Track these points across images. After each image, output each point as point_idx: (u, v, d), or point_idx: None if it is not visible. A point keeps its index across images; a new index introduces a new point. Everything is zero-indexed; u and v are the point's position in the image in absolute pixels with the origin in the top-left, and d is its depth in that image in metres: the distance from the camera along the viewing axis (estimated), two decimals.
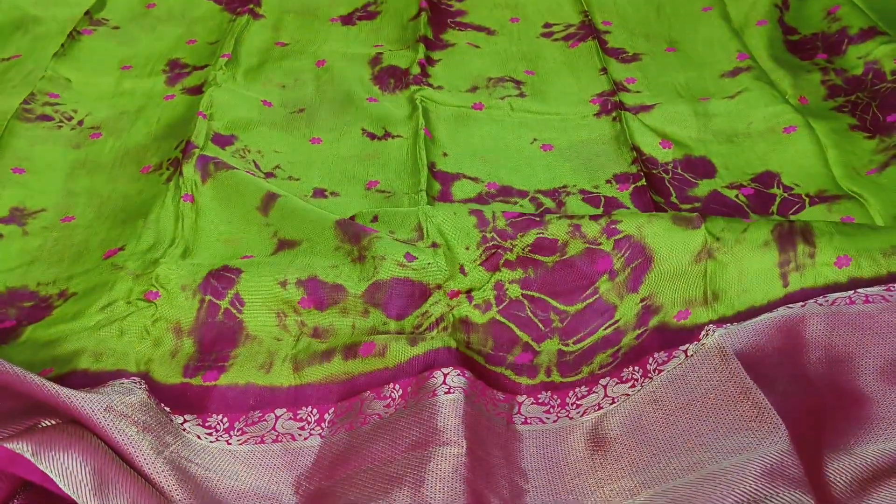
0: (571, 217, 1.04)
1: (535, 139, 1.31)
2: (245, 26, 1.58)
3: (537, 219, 1.04)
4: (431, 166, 1.24)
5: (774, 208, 1.14)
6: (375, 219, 1.09)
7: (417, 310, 0.99)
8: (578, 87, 1.43)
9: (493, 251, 1.03)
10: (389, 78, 1.45)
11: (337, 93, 1.42)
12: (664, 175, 1.22)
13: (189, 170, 1.16)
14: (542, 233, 1.02)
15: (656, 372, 0.88)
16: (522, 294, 1.00)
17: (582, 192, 1.20)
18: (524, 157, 1.28)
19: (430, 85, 1.42)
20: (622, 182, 1.20)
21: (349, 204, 1.18)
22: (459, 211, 1.07)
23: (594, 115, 1.35)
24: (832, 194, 1.14)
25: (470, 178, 1.23)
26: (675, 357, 0.89)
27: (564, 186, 1.21)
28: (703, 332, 0.89)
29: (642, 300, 0.97)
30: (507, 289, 1.00)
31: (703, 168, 1.23)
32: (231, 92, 1.38)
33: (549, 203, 1.18)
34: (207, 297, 0.98)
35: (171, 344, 0.96)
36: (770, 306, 0.91)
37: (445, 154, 1.28)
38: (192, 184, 1.15)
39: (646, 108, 1.34)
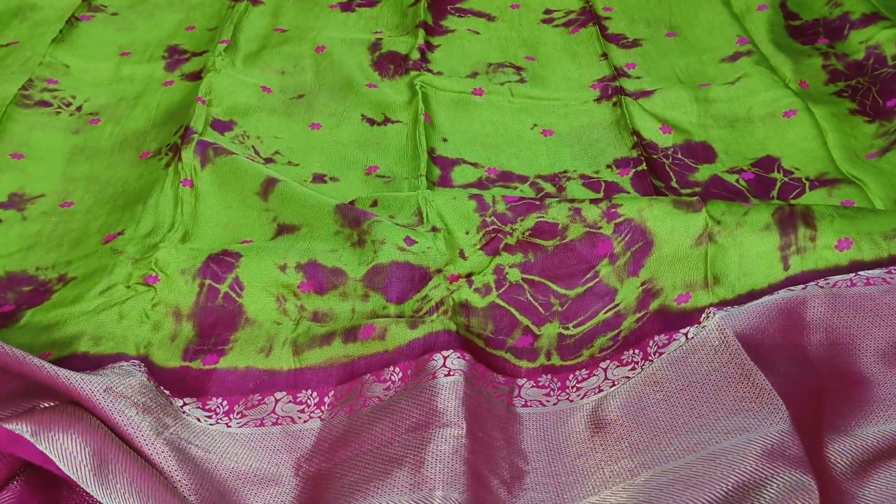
0: (572, 201, 1.04)
1: (535, 124, 1.31)
2: (244, 12, 1.58)
3: (537, 203, 1.04)
4: (431, 152, 1.24)
5: (775, 193, 1.14)
6: (375, 203, 1.09)
7: (417, 294, 0.99)
8: (579, 73, 1.42)
9: (493, 235, 1.02)
10: (389, 64, 1.45)
11: (336, 79, 1.42)
12: (664, 160, 1.22)
13: (188, 155, 1.16)
14: (543, 217, 1.02)
15: (657, 355, 0.88)
16: (522, 278, 1.00)
17: (582, 177, 1.19)
18: (524, 142, 1.28)
19: (429, 70, 1.42)
20: (623, 167, 1.20)
21: (349, 189, 1.18)
22: (459, 195, 1.07)
23: (594, 100, 1.35)
24: (832, 178, 1.14)
25: (470, 163, 1.23)
26: (675, 340, 0.88)
27: (565, 171, 1.21)
28: (703, 315, 0.88)
29: (642, 284, 0.97)
30: (506, 273, 1.00)
31: (704, 153, 1.23)
32: (230, 78, 1.38)
33: (549, 188, 1.18)
34: (207, 282, 0.98)
35: (171, 328, 0.96)
36: (771, 289, 0.91)
37: (445, 140, 1.28)
38: (191, 169, 1.15)
39: (646, 94, 1.34)
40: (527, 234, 1.02)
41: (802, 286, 0.87)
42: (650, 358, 0.88)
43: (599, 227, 1.00)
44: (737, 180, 1.17)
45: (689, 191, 1.16)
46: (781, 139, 1.23)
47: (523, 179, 1.20)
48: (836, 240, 0.93)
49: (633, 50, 1.48)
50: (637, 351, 0.91)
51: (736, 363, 0.79)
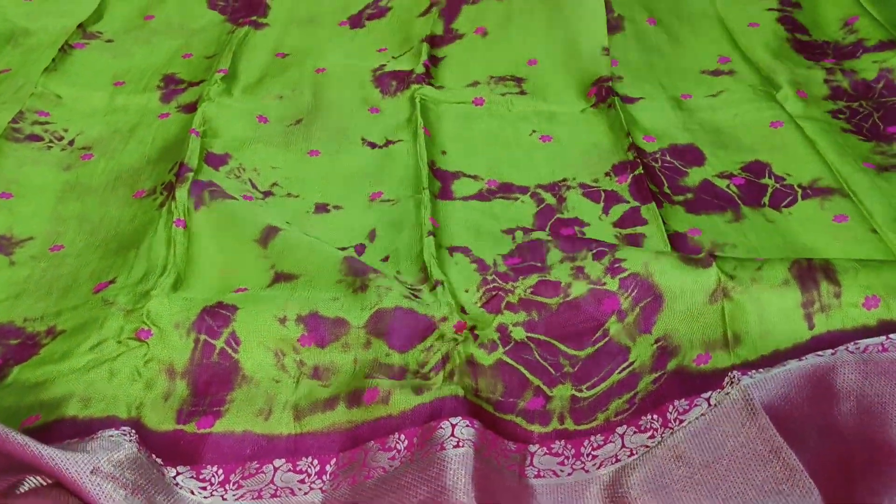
0: (574, 258, 1.00)
1: (533, 131, 1.29)
2: (244, 38, 1.53)
3: (539, 264, 1.00)
4: (431, 164, 1.21)
5: (766, 199, 1.12)
6: (387, 258, 1.06)
7: (422, 343, 0.94)
8: (579, 74, 1.40)
9: (494, 293, 0.98)
10: (391, 80, 1.41)
11: (335, 99, 1.38)
12: (654, 163, 1.20)
13: (182, 194, 1.11)
14: (545, 276, 0.98)
15: (677, 422, 0.83)
16: (528, 337, 0.95)
17: (582, 185, 1.17)
18: (524, 150, 1.26)
19: (431, 84, 1.39)
20: (621, 173, 1.18)
21: (353, 217, 1.14)
22: (461, 261, 1.04)
23: (592, 106, 1.33)
24: (826, 186, 1.11)
25: (470, 176, 1.20)
26: (696, 406, 0.84)
27: (564, 180, 1.19)
28: (726, 380, 0.83)
29: (657, 341, 0.92)
30: (511, 331, 0.95)
31: (691, 154, 1.21)
32: (226, 108, 1.33)
33: (549, 199, 1.15)
34: (202, 337, 0.93)
35: (164, 386, 0.91)
36: (795, 350, 0.86)
37: (444, 152, 1.25)
38: (184, 209, 1.10)
39: (630, 101, 1.33)
40: (528, 291, 0.97)
41: (832, 351, 0.82)
42: (670, 425, 0.84)
43: (604, 283, 0.96)
44: (728, 186, 1.15)
45: (681, 197, 1.14)
46: (770, 144, 1.21)
47: (524, 190, 1.17)
48: (862, 297, 0.89)
49: (615, 36, 1.47)
50: (656, 416, 0.86)
51: (764, 439, 0.74)
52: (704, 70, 1.41)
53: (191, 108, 1.37)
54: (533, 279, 0.98)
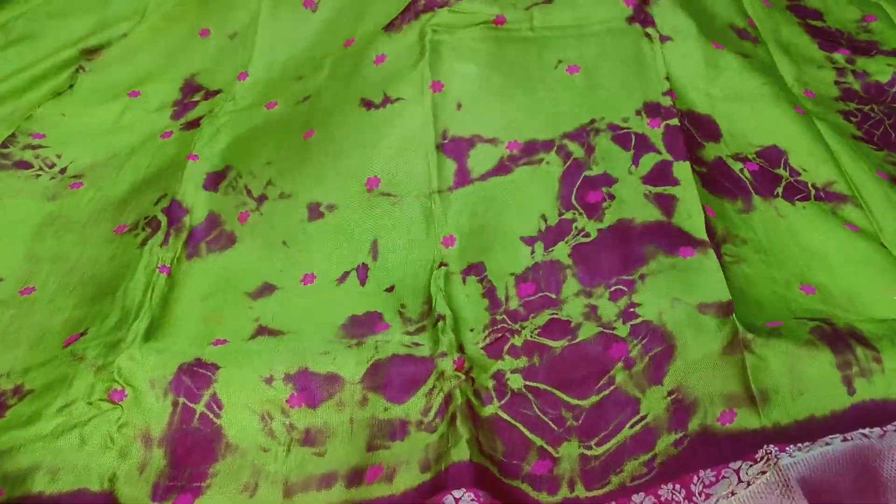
0: (590, 294, 0.92)
1: (560, 61, 1.16)
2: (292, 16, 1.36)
3: (553, 296, 0.93)
4: (443, 136, 1.08)
5: (779, 190, 1.05)
6: (391, 288, 0.97)
7: (421, 388, 0.87)
8: None
9: (500, 335, 0.90)
10: (400, 15, 1.23)
11: (348, 67, 1.23)
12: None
13: (177, 244, 1.03)
14: (556, 314, 0.90)
15: (702, 496, 0.75)
16: (525, 386, 0.87)
17: (611, 126, 1.08)
18: (547, 87, 1.13)
19: (445, 3, 1.21)
20: (653, 115, 1.09)
21: (349, 219, 1.05)
22: (472, 293, 0.95)
23: (626, 19, 1.20)
24: (839, 192, 1.04)
25: (487, 140, 1.08)
26: (724, 478, 0.75)
27: (592, 121, 1.08)
28: (760, 453, 0.74)
29: (670, 393, 0.84)
30: (507, 379, 0.87)
31: (708, 128, 1.12)
32: (233, 114, 1.22)
33: (578, 151, 1.05)
34: (181, 400, 0.85)
35: (140, 455, 0.83)
36: (834, 418, 0.78)
37: (459, 106, 1.11)
38: (173, 257, 1.02)
39: (662, 39, 1.19)
40: (536, 332, 0.90)
41: (881, 431, 0.73)
42: (694, 499, 0.75)
43: (614, 328, 0.88)
44: (741, 170, 1.07)
45: (697, 168, 1.06)
46: (789, 129, 1.11)
47: (549, 146, 1.07)
48: None
49: None
50: (678, 487, 0.77)
51: None
52: (734, 25, 1.28)
53: (194, 124, 1.24)
54: (543, 318, 0.91)
